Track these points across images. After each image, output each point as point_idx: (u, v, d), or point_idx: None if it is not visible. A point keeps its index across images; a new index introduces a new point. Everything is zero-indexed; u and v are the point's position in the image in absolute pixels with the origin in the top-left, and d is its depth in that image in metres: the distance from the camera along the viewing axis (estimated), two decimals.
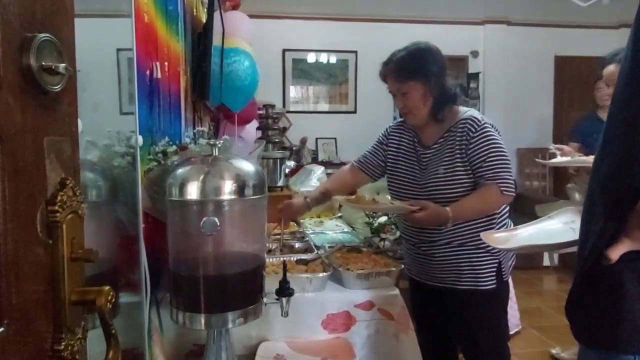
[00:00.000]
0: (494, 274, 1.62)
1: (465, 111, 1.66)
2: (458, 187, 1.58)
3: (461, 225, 1.60)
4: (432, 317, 1.80)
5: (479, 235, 1.57)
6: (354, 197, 1.71)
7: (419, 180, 1.66)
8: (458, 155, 1.59)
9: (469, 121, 1.60)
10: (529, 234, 1.26)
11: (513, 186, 1.57)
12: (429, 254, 1.68)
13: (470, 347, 1.71)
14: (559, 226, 1.21)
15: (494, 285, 1.62)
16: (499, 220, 1.65)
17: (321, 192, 1.84)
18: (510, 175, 1.58)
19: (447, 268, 1.65)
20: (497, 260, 1.63)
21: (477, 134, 1.57)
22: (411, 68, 1.60)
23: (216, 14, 2.17)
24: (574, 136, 3.86)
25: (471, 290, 1.62)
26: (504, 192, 1.54)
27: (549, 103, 5.77)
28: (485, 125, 1.59)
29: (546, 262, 4.18)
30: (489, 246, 1.59)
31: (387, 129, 1.85)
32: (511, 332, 2.97)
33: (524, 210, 3.73)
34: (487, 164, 1.55)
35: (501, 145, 1.58)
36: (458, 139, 1.60)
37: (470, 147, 1.57)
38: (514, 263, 1.74)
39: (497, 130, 1.62)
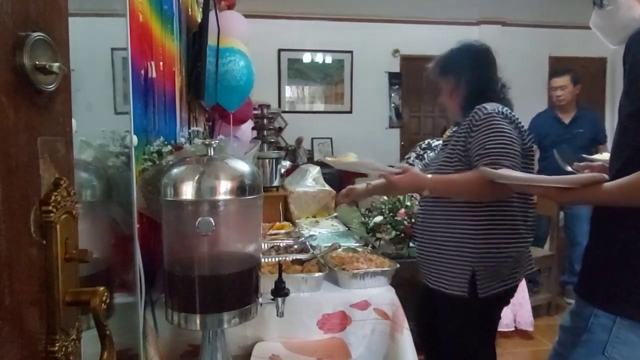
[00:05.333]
0: (465, 280, 1.51)
1: (485, 104, 1.55)
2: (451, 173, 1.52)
3: (443, 222, 1.57)
4: (422, 314, 1.83)
5: (456, 237, 1.53)
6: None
7: (427, 168, 1.71)
8: (455, 146, 1.55)
9: (475, 110, 1.52)
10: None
11: None
12: (419, 249, 1.72)
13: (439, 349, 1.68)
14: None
15: (464, 293, 1.51)
16: (482, 219, 1.51)
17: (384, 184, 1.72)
18: (515, 166, 1.42)
19: (426, 265, 1.66)
20: (470, 269, 1.51)
21: (479, 122, 1.48)
22: (442, 66, 1.67)
23: (211, 14, 2.16)
24: None
25: (441, 292, 1.57)
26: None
27: (543, 103, 5.80)
28: (491, 114, 1.49)
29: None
30: (464, 251, 1.52)
31: None
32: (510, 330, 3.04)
33: None
34: (485, 151, 1.44)
35: (506, 133, 1.45)
36: (463, 129, 1.54)
37: (472, 135, 1.49)
38: (498, 288, 1.54)
39: (510, 121, 1.51)
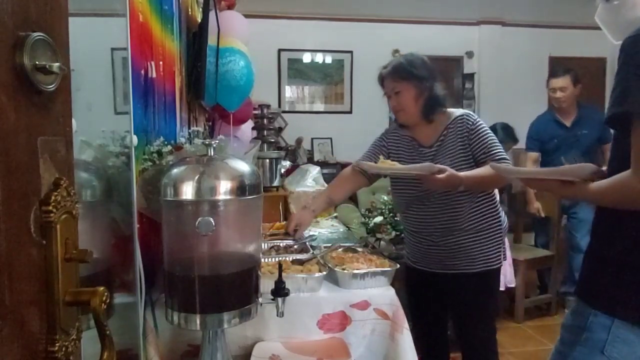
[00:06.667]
0: (500, 251, 1.82)
1: (459, 111, 1.85)
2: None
3: (466, 213, 1.78)
4: (428, 307, 1.92)
5: (484, 222, 1.80)
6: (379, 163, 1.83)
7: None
8: (461, 149, 1.77)
9: (465, 117, 1.81)
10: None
11: None
12: (441, 243, 1.81)
13: (463, 325, 1.87)
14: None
15: (499, 265, 1.82)
16: (495, 207, 1.86)
17: (325, 202, 1.96)
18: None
19: (460, 255, 1.79)
20: (501, 240, 1.83)
21: (475, 127, 1.78)
22: (407, 70, 1.79)
23: (211, 14, 2.16)
24: (531, 144, 3.65)
25: (482, 272, 1.78)
26: None
27: (543, 103, 5.78)
28: (479, 120, 1.82)
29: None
30: (493, 228, 1.82)
31: (383, 134, 1.98)
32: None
33: (519, 208, 3.75)
34: (491, 153, 1.75)
35: (495, 137, 1.82)
36: (459, 133, 1.79)
37: (472, 139, 1.77)
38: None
39: None
